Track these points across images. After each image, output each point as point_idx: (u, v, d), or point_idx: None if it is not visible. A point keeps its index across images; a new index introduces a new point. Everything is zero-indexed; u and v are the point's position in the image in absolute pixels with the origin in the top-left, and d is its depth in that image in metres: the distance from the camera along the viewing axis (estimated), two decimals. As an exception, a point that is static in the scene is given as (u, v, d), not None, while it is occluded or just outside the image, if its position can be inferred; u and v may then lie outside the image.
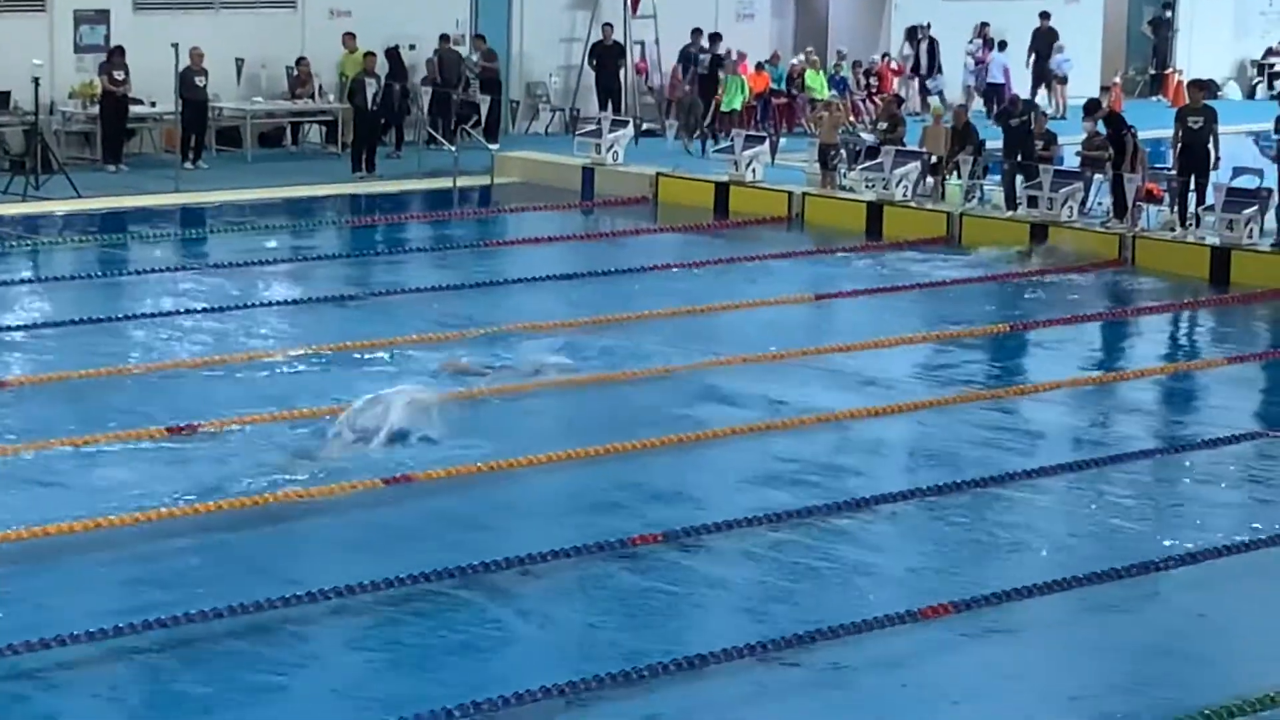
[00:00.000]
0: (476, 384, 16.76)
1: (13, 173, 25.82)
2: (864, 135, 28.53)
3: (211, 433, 15.05)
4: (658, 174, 27.74)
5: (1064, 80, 36.56)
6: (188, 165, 27.74)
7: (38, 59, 26.56)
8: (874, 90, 34.79)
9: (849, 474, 14.70)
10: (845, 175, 26.83)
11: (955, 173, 25.87)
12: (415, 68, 30.91)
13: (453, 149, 27.97)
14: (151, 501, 13.26)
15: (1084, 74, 37.06)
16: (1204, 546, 13.15)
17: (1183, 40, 41.27)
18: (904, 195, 25.67)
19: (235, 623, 11.29)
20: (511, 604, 11.90)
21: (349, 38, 29.96)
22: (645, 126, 31.70)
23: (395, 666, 10.97)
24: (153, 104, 28.27)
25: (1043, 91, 36.41)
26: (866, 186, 26.14)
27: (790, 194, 26.54)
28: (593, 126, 29.05)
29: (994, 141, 26.47)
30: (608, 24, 32.47)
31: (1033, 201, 24.60)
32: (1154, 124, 28.04)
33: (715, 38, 32.80)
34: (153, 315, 19.32)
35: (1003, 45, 36.49)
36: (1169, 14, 41.38)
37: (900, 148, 26.28)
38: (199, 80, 27.82)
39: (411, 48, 30.86)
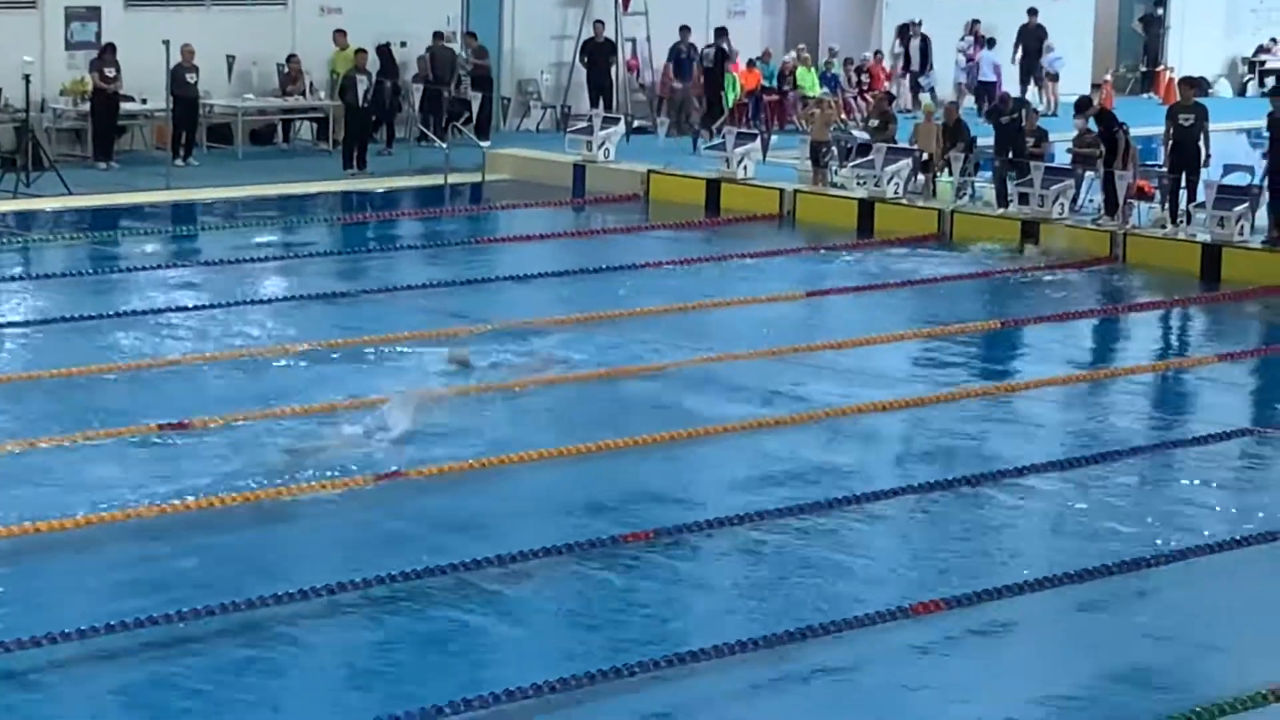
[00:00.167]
0: (470, 381, 16.76)
1: (3, 170, 25.78)
2: (855, 132, 28.56)
3: (202, 430, 15.04)
4: (649, 171, 27.75)
5: (1055, 77, 36.61)
6: (179, 162, 27.72)
7: (29, 56, 26.57)
8: (865, 87, 34.82)
9: (840, 471, 14.70)
10: (837, 172, 26.86)
11: (946, 170, 25.88)
12: (406, 65, 30.90)
13: (444, 146, 27.97)
14: (142, 499, 13.25)
15: (1075, 71, 37.11)
16: (1194, 544, 13.15)
17: (1174, 37, 41.33)
18: (895, 192, 25.68)
19: (227, 620, 11.27)
20: (502, 601, 11.89)
21: (340, 35, 29.98)
22: (636, 124, 31.70)
23: (386, 664, 10.96)
24: (144, 101, 28.26)
25: (1033, 88, 36.45)
26: (858, 184, 26.17)
27: (782, 191, 26.55)
28: (584, 124, 29.07)
29: (985, 139, 26.50)
30: (599, 21, 32.47)
31: (1024, 199, 24.62)
32: (1145, 121, 28.03)
33: (721, 32, 32.87)
34: (144, 312, 19.29)
35: (992, 43, 36.53)
36: (1160, 11, 41.43)
37: (892, 145, 26.30)
38: (190, 77, 27.80)
39: (403, 45, 30.85)
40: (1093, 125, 24.87)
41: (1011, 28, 36.64)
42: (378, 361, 17.49)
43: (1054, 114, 33.95)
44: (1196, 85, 25.32)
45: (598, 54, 32.27)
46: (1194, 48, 40.68)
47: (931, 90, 35.07)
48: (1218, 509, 14.20)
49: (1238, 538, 13.34)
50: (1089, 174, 24.68)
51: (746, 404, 16.48)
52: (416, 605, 11.73)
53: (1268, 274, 22.39)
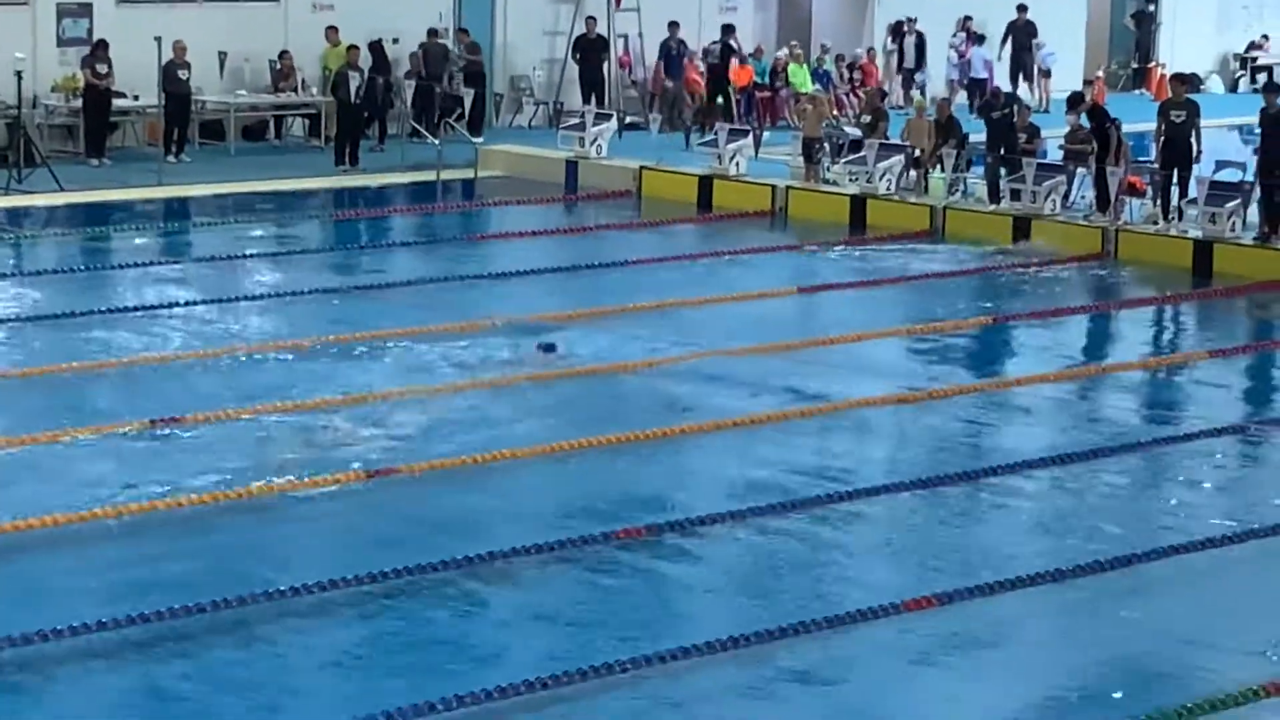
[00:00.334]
0: (465, 378, 16.77)
1: (-5, 166, 25.80)
2: (847, 129, 28.55)
3: (194, 426, 15.03)
4: (641, 167, 27.73)
5: (1047, 74, 36.60)
6: (170, 159, 27.69)
7: (20, 52, 26.54)
8: (857, 84, 34.80)
9: (832, 467, 14.70)
10: (829, 169, 26.85)
11: (938, 166, 25.88)
12: (399, 61, 30.88)
13: (436, 142, 27.96)
14: (134, 496, 13.24)
15: (1067, 67, 37.11)
16: (1185, 540, 13.16)
17: (1165, 34, 41.32)
18: (887, 189, 25.69)
19: (218, 617, 11.26)
20: (495, 597, 11.90)
21: (332, 31, 29.94)
22: (629, 120, 31.68)
23: (379, 660, 10.96)
24: (135, 97, 28.21)
25: (1025, 84, 36.43)
26: (850, 180, 26.16)
27: (774, 187, 26.54)
28: (576, 120, 29.04)
29: (977, 135, 26.50)
30: (591, 17, 32.44)
31: (1016, 195, 24.63)
32: (1137, 117, 28.07)
33: (728, 29, 32.87)
34: (135, 308, 19.27)
35: (983, 39, 36.51)
36: (1152, 8, 41.42)
37: (883, 141, 26.31)
38: (182, 73, 27.77)
39: (395, 41, 30.83)
40: (1085, 121, 24.87)
41: (1004, 24, 36.62)
42: (370, 357, 17.48)
43: (1046, 110, 33.94)
44: (1188, 81, 25.31)
45: (590, 50, 32.25)
46: (1185, 44, 40.68)
47: (923, 87, 35.06)
48: (1209, 505, 14.20)
49: (1229, 534, 13.35)
50: (1081, 170, 24.69)
51: (738, 400, 16.48)
52: (408, 601, 11.73)
53: (1259, 270, 22.41)
